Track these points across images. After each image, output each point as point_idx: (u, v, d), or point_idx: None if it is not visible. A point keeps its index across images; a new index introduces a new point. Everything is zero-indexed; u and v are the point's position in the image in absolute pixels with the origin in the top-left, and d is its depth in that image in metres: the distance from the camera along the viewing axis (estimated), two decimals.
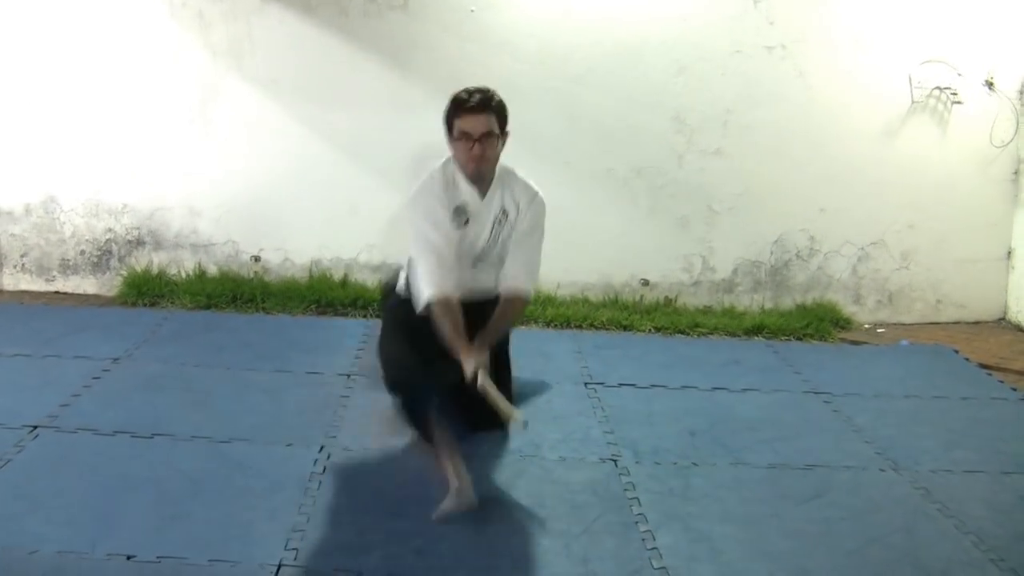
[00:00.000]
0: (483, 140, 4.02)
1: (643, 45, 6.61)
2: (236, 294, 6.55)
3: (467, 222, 4.17)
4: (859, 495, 4.22)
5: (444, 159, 4.23)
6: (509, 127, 4.17)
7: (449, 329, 3.96)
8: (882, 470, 4.49)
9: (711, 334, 6.54)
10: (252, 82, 6.56)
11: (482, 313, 4.19)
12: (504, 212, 4.24)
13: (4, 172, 6.68)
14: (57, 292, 6.81)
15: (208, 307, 6.45)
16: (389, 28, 6.54)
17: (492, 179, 4.20)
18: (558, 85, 6.59)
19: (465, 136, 4.03)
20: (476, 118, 4.01)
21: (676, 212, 6.88)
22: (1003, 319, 7.20)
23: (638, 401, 5.21)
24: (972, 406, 5.42)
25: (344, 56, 6.54)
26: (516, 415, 3.78)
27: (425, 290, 4.04)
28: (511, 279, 4.27)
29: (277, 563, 3.39)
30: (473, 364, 3.86)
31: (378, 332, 4.61)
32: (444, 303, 4.01)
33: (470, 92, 4.06)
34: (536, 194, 4.29)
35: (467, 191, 4.17)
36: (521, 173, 4.33)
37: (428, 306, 4.04)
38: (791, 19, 6.63)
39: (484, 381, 3.83)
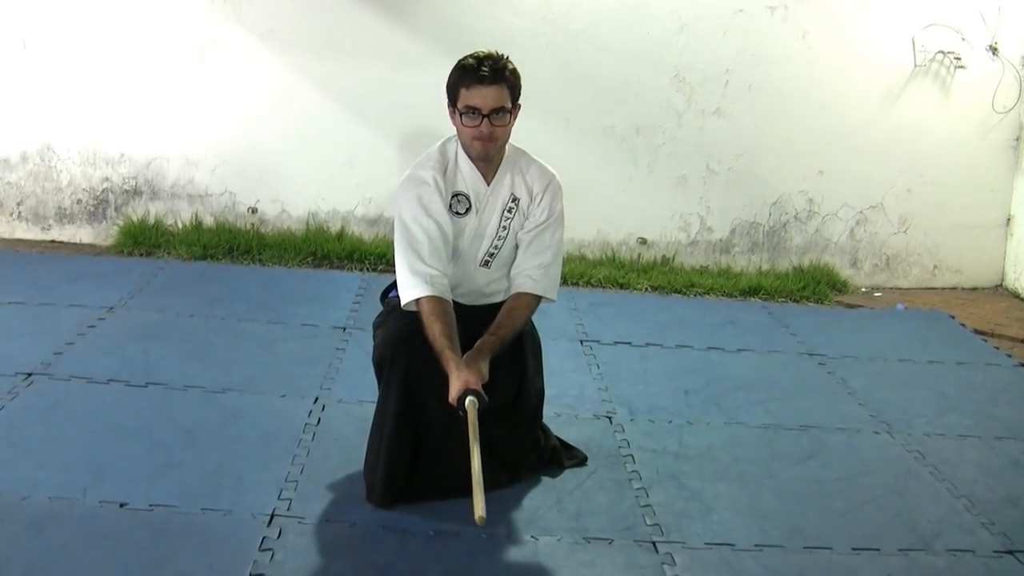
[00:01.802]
0: (492, 116, 3.37)
1: (645, 2, 6.55)
2: (232, 245, 6.52)
3: (468, 210, 3.54)
4: (852, 457, 4.24)
5: (444, 138, 3.60)
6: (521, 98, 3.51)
7: (438, 335, 3.29)
8: (876, 432, 4.51)
9: (707, 294, 6.54)
10: (250, 32, 6.49)
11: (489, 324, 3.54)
12: (515, 199, 3.58)
13: (1, 120, 6.63)
14: (53, 241, 6.78)
15: (204, 258, 6.42)
16: None
17: (500, 161, 3.57)
18: (559, 41, 6.54)
19: (472, 111, 3.37)
20: (486, 90, 3.35)
21: (675, 171, 6.86)
22: (1000, 286, 7.20)
23: (633, 359, 5.22)
24: (966, 371, 5.43)
25: (343, 7, 6.47)
26: (478, 507, 2.84)
27: (411, 286, 3.39)
28: (523, 277, 3.58)
29: (270, 513, 3.39)
30: (461, 386, 3.19)
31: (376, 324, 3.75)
32: (435, 302, 3.35)
33: (479, 59, 3.38)
34: (552, 178, 3.62)
35: (470, 176, 3.54)
36: (534, 155, 3.68)
37: (416, 304, 3.38)
38: None
39: (471, 413, 3.16)
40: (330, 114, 6.62)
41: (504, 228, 3.59)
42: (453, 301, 3.48)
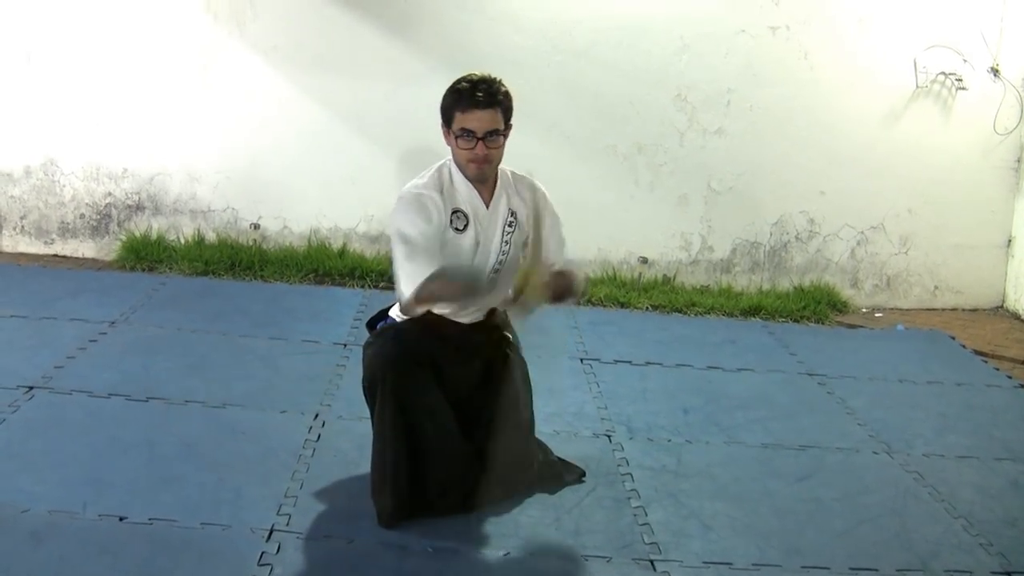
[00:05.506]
0: (487, 139, 3.42)
1: (647, 21, 6.58)
2: (234, 261, 6.54)
3: (466, 226, 3.53)
4: (851, 476, 4.24)
5: (440, 162, 3.62)
6: (513, 119, 3.55)
7: (444, 294, 3.34)
8: (875, 452, 4.51)
9: (708, 314, 6.54)
10: (253, 48, 6.52)
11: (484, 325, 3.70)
12: (513, 213, 3.62)
13: (4, 134, 6.64)
14: (55, 255, 6.79)
15: (206, 273, 6.43)
16: None
17: (496, 182, 3.61)
18: (561, 59, 6.57)
19: (467, 134, 3.41)
20: (481, 114, 3.40)
21: (676, 190, 6.87)
22: (1001, 307, 7.20)
23: (633, 378, 5.22)
24: (966, 392, 5.43)
25: (346, 24, 6.50)
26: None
27: (414, 282, 3.31)
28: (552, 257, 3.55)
29: (269, 528, 3.40)
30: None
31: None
32: (429, 298, 3.35)
33: (474, 83, 3.42)
34: (535, 183, 3.67)
35: (467, 194, 3.55)
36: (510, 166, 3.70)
37: (414, 302, 3.36)
38: None
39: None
40: (332, 130, 6.64)
41: (506, 243, 3.62)
42: (453, 321, 3.59)
